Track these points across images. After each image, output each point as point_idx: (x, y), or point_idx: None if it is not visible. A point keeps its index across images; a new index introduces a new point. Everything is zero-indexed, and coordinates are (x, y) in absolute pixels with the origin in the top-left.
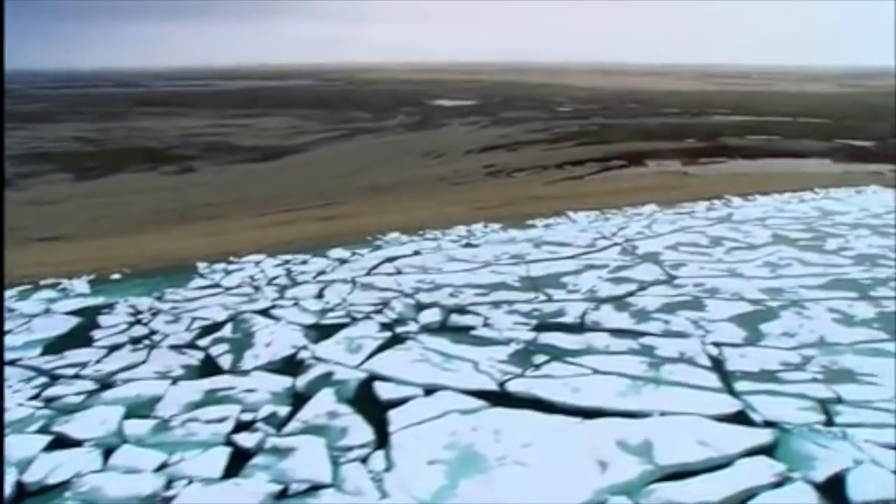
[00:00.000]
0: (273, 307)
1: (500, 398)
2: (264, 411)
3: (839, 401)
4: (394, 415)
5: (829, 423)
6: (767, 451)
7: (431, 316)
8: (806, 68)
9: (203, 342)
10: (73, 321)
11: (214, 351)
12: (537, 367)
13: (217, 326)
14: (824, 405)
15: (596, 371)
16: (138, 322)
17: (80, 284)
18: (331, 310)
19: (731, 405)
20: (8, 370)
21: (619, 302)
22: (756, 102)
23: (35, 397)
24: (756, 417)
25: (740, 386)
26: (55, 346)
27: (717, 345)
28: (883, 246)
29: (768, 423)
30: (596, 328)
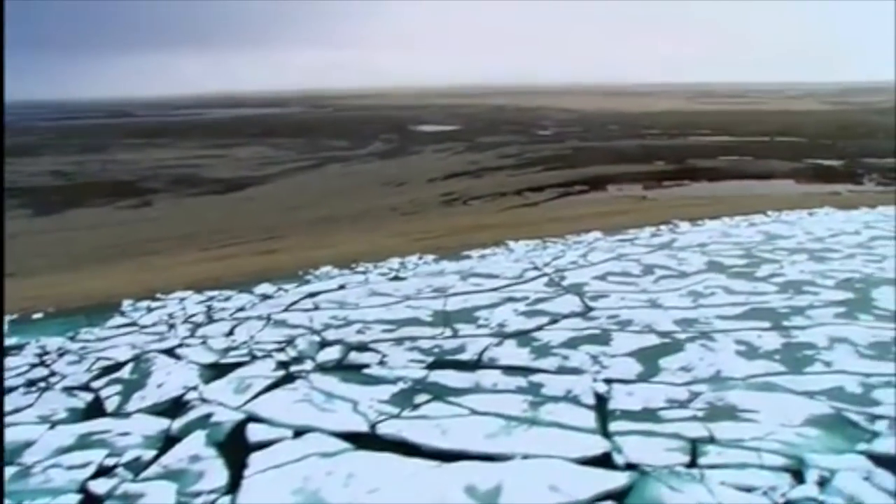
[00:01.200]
0: (180, 346)
1: (367, 441)
2: (128, 456)
3: (711, 440)
4: (255, 458)
5: (692, 464)
6: (620, 495)
7: (331, 354)
8: (799, 85)
9: (98, 383)
10: None
11: (105, 392)
12: (416, 407)
13: (118, 367)
14: (694, 445)
15: (473, 411)
16: (41, 363)
17: None
18: (235, 348)
19: (598, 447)
20: None
21: (524, 337)
22: (739, 122)
23: None
24: (619, 460)
25: (616, 426)
26: None
27: (608, 381)
28: (814, 272)
29: (629, 466)
30: (490, 365)
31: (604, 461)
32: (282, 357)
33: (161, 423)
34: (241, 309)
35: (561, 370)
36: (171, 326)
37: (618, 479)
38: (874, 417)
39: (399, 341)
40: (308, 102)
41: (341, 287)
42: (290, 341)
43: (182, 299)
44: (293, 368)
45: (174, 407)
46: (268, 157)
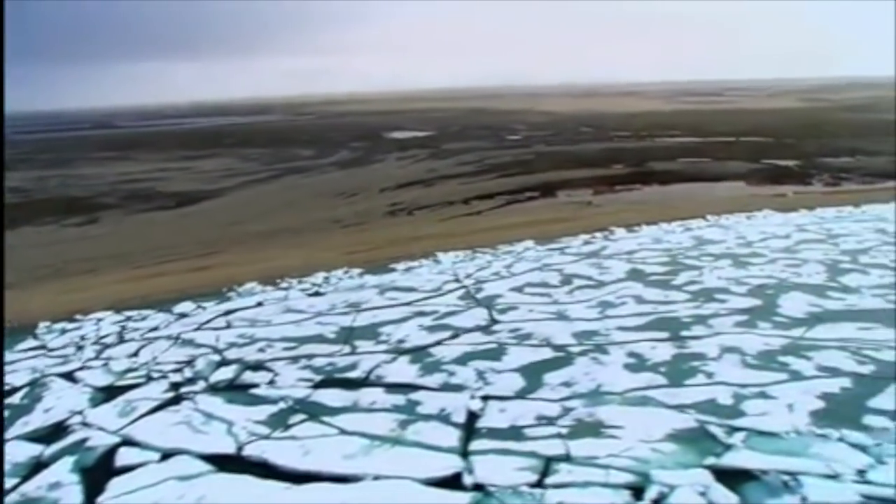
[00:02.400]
0: (81, 369)
1: (231, 463)
2: None
3: (567, 458)
4: (114, 483)
5: (538, 484)
6: None
7: (225, 374)
8: (779, 82)
9: None
10: None
11: None
12: (288, 427)
13: (12, 392)
14: (548, 464)
15: (342, 431)
16: None
17: None
18: (135, 369)
19: (452, 467)
20: None
21: (420, 353)
22: (712, 122)
23: None
24: (468, 480)
25: (478, 445)
26: None
27: (485, 398)
28: (731, 278)
29: (476, 487)
30: (376, 383)
31: (452, 482)
32: (177, 378)
33: (34, 450)
34: (155, 329)
35: (444, 387)
36: (80, 348)
37: (460, 500)
38: (734, 430)
39: (295, 359)
40: (291, 110)
41: (259, 304)
42: (191, 361)
43: (99, 320)
44: (183, 390)
45: (54, 432)
46: (231, 169)
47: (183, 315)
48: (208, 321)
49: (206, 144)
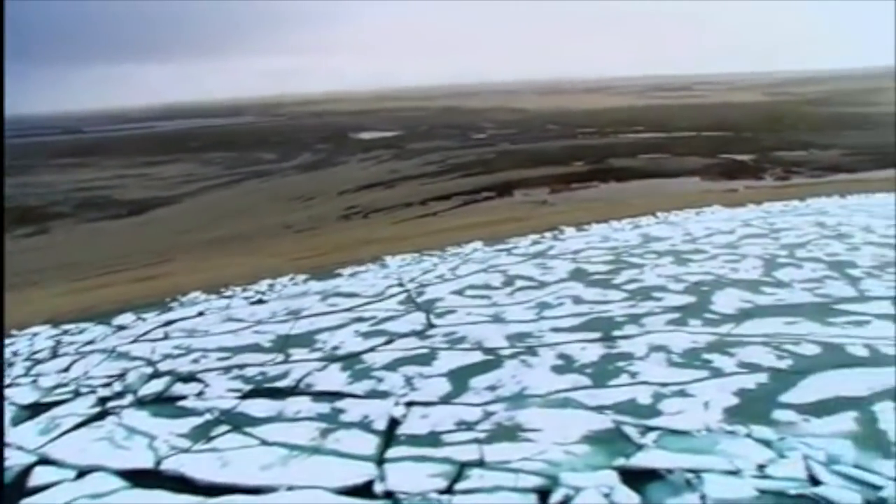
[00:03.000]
0: (10, 385)
1: (147, 478)
2: None
3: (480, 463)
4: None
5: (448, 490)
6: None
7: (155, 387)
8: (747, 76)
9: None
10: None
11: None
12: (210, 440)
13: None
14: (461, 469)
15: (263, 442)
16: None
17: None
18: (64, 385)
19: (365, 475)
20: None
21: (352, 360)
22: (676, 117)
23: None
24: (379, 488)
25: (395, 452)
26: None
27: (409, 404)
28: (671, 276)
29: (387, 494)
30: (304, 391)
31: (364, 490)
32: (105, 393)
33: None
34: (91, 342)
35: (370, 394)
36: (10, 365)
37: None
38: (648, 430)
39: (228, 370)
40: (264, 111)
41: (200, 314)
42: (122, 375)
43: (35, 335)
44: (110, 404)
45: None
46: (192, 175)
47: (121, 327)
48: (146, 333)
49: (170, 149)
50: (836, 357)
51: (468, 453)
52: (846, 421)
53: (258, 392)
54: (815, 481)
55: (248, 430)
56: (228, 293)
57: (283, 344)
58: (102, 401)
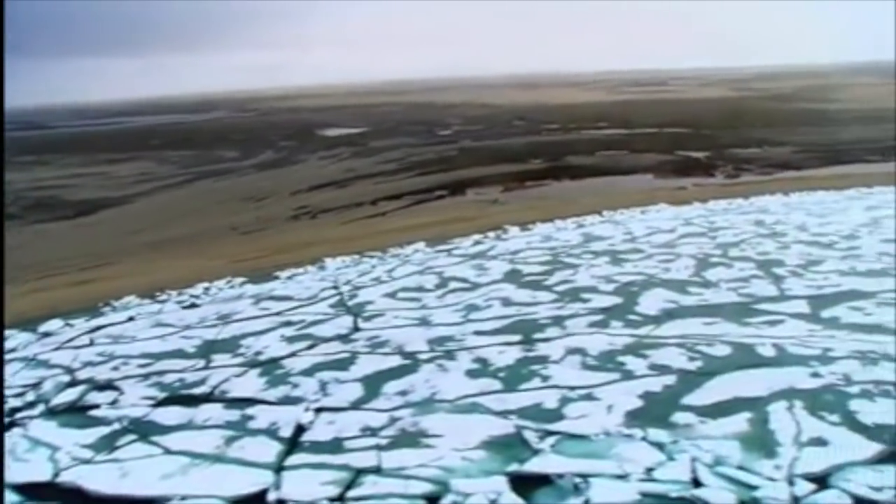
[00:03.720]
0: None
1: (43, 490)
2: None
3: (377, 470)
4: None
5: (339, 497)
6: None
7: (69, 395)
8: (720, 71)
9: None
10: None
11: None
12: (114, 450)
13: None
14: (356, 476)
15: (167, 451)
16: None
17: None
18: None
19: (261, 483)
20: None
21: (272, 365)
22: (643, 113)
23: None
24: (272, 497)
25: (295, 459)
26: None
27: (319, 410)
28: (603, 276)
29: (279, 503)
30: (218, 398)
31: (257, 499)
32: (17, 403)
33: None
34: (13, 350)
35: (283, 400)
36: None
37: None
38: (548, 434)
39: (146, 377)
40: (236, 106)
41: (130, 319)
42: (38, 384)
43: None
44: (20, 415)
45: None
46: (147, 174)
47: (47, 334)
48: (71, 340)
49: (131, 146)
50: (744, 358)
51: (367, 460)
52: (739, 422)
53: (172, 400)
54: (697, 483)
55: (155, 438)
56: (163, 297)
57: (208, 350)
58: (13, 411)
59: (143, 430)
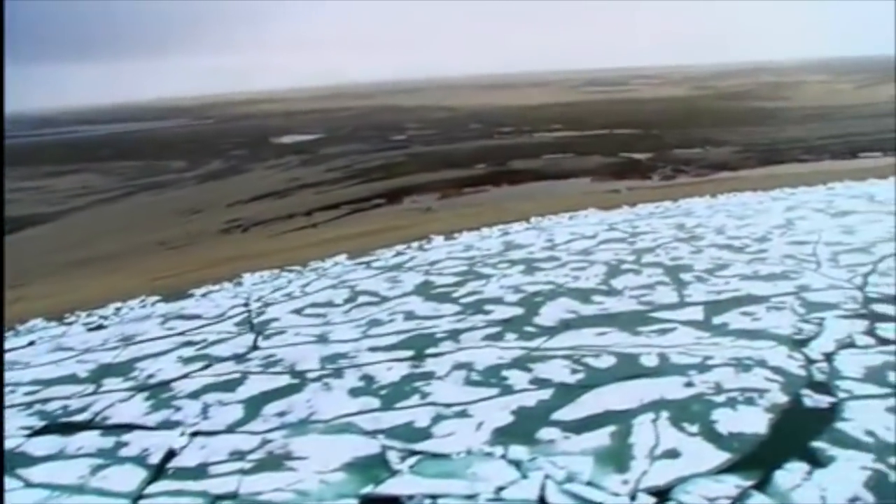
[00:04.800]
0: None
1: None
2: None
3: (233, 496)
4: None
5: None
6: None
7: None
8: (683, 68)
9: None
10: None
11: None
12: None
13: None
14: (213, 502)
15: (27, 484)
16: None
17: None
18: None
19: None
20: None
21: (160, 388)
22: (597, 113)
23: None
24: None
25: (157, 487)
26: None
27: (195, 434)
28: (512, 286)
29: None
30: (98, 425)
31: None
32: None
33: None
34: None
35: (162, 425)
36: None
37: None
38: (412, 454)
39: (30, 405)
40: (196, 113)
41: (31, 344)
42: None
43: None
44: None
45: None
46: (87, 187)
47: None
48: None
49: (77, 157)
50: (626, 369)
51: (227, 485)
52: (602, 437)
53: (50, 428)
54: (543, 502)
55: (20, 471)
56: (72, 319)
57: (101, 374)
58: None
59: (12, 462)
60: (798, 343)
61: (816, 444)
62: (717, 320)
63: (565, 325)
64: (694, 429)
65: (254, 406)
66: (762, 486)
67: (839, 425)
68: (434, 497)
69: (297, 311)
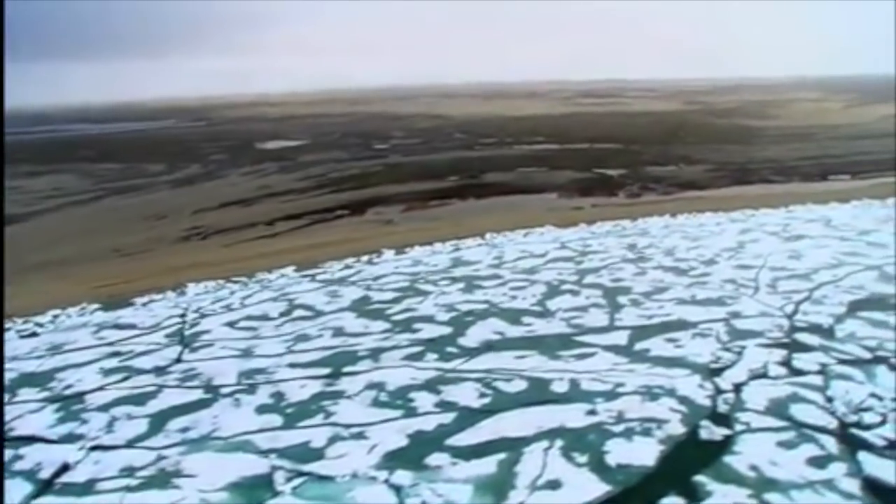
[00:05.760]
0: None
1: None
2: None
3: None
4: None
5: None
6: None
7: None
8: (679, 82)
9: None
10: None
11: None
12: None
13: None
14: None
15: None
16: None
17: None
18: None
19: None
20: None
21: (73, 400)
22: (583, 126)
23: None
24: None
25: (44, 501)
26: None
27: (94, 448)
28: (447, 304)
29: None
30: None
31: None
32: None
33: None
34: None
35: (65, 438)
36: None
37: None
38: (298, 475)
39: None
40: (190, 115)
41: None
42: None
43: None
44: None
45: None
46: (61, 189)
47: None
48: None
49: (59, 157)
50: (535, 394)
51: (108, 502)
52: (489, 464)
53: None
54: None
55: None
56: (8, 325)
57: (20, 383)
58: None
59: None
60: (712, 372)
61: (699, 478)
62: (639, 346)
63: (488, 347)
64: (583, 459)
65: (159, 421)
66: None
67: (727, 459)
68: None
69: (231, 324)
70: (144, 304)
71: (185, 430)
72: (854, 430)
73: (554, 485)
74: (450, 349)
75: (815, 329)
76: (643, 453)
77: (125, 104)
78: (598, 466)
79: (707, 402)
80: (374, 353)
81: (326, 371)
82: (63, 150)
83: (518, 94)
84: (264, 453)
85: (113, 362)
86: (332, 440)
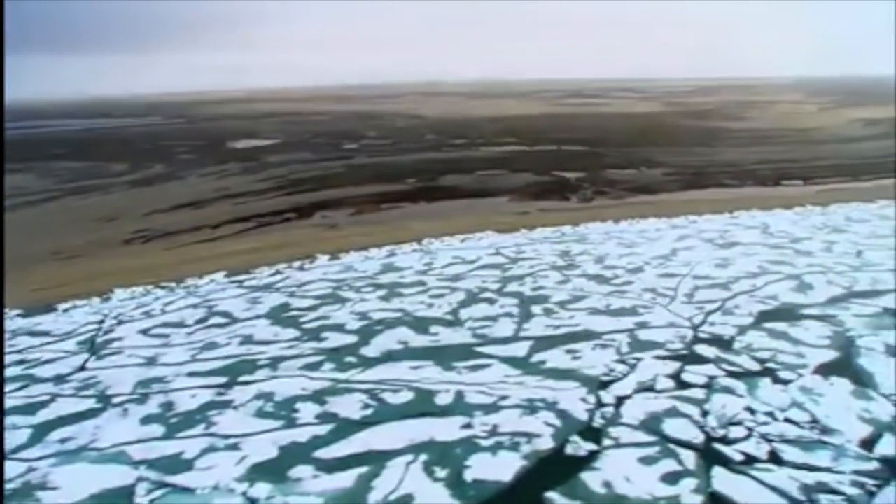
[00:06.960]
0: None
1: None
2: None
3: None
4: None
5: None
6: None
7: None
8: (665, 83)
9: None
10: None
11: None
12: None
13: None
14: None
15: None
16: None
17: None
18: None
19: None
20: None
21: None
22: (559, 127)
23: None
24: None
25: None
26: None
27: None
28: (363, 313)
29: None
30: None
31: None
32: None
33: None
34: None
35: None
36: None
37: None
38: (162, 486)
39: None
40: (174, 111)
41: None
42: None
43: None
44: None
45: None
46: (21, 188)
47: None
48: None
49: (28, 155)
50: (417, 406)
51: None
52: (348, 478)
53: None
54: None
55: None
56: None
57: None
58: None
59: None
60: (601, 385)
61: (550, 494)
62: (537, 357)
63: (388, 357)
64: (443, 474)
65: (42, 431)
66: None
67: (583, 475)
68: None
69: (145, 332)
70: (66, 311)
71: (64, 440)
72: (717, 445)
73: (406, 499)
74: (349, 359)
75: (715, 341)
76: (503, 469)
77: (115, 99)
78: (455, 482)
79: (584, 417)
80: (275, 363)
81: (222, 380)
82: (35, 149)
83: (502, 94)
84: (135, 465)
85: (16, 371)
86: (206, 451)
